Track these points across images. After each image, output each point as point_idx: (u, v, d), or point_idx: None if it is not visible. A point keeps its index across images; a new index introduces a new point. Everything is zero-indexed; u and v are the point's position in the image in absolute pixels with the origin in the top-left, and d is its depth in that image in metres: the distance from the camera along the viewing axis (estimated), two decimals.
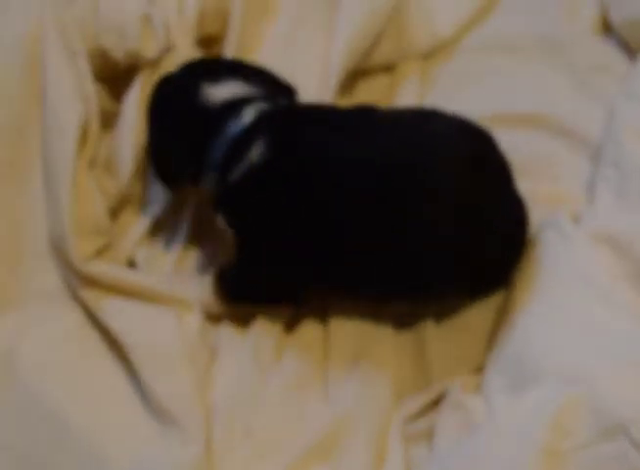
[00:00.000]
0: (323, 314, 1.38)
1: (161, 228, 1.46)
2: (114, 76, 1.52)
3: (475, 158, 1.30)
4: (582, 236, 1.35)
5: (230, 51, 1.57)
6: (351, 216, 1.27)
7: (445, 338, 1.37)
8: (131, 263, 1.43)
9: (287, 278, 1.33)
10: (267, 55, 1.58)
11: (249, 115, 1.32)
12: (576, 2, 1.76)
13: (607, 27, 1.75)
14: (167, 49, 1.50)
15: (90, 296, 1.35)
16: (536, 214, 1.40)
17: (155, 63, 1.50)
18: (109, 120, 1.51)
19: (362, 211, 1.27)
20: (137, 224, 1.45)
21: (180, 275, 1.41)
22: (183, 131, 1.34)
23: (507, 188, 1.36)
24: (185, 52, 1.52)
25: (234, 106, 1.32)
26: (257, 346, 1.33)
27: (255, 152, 1.28)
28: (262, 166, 1.28)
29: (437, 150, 1.29)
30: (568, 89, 1.64)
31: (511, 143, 1.41)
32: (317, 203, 1.27)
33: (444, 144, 1.30)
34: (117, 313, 1.33)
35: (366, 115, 1.37)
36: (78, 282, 1.36)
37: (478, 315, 1.37)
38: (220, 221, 1.34)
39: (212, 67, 1.43)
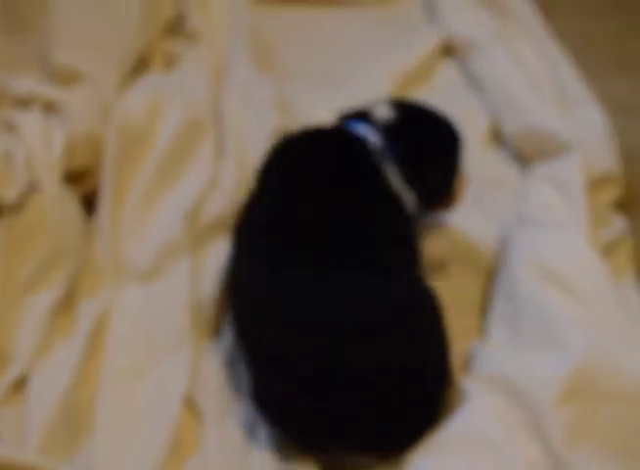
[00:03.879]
0: None
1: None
2: None
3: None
4: (478, 383, 1.30)
5: (105, 186, 1.50)
6: None
7: None
8: None
9: None
10: (140, 187, 1.51)
11: (369, 131, 1.44)
12: (467, 112, 1.73)
13: (497, 138, 1.72)
14: (31, 189, 1.41)
15: None
16: None
17: (15, 206, 1.39)
18: None
19: None
20: None
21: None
22: None
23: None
24: (51, 190, 1.42)
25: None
26: None
27: None
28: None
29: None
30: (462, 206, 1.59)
31: None
32: None
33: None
34: None
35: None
36: None
37: None
38: None
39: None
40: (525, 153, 1.68)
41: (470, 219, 1.57)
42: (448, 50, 1.87)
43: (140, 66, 1.73)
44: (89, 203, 1.51)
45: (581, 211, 1.53)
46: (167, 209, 1.50)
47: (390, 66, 1.80)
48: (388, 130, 1.45)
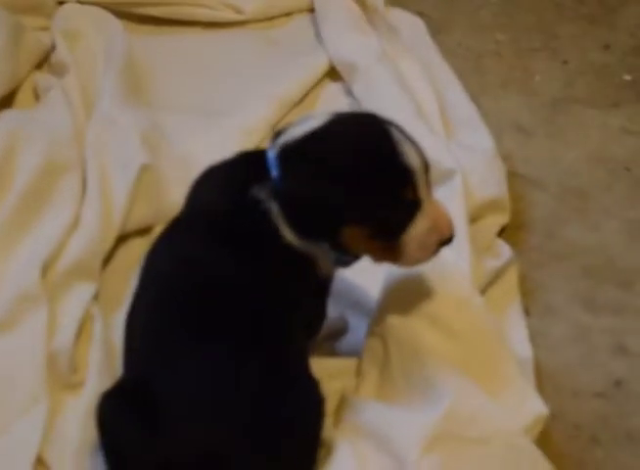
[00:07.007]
0: None
1: None
2: None
3: None
4: (346, 432, 1.24)
5: None
6: None
7: None
8: None
9: None
10: None
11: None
12: None
13: None
14: None
15: None
16: None
17: None
18: None
19: None
20: None
21: None
22: None
23: None
24: None
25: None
26: None
27: None
28: None
29: None
30: None
31: None
32: None
33: None
34: None
35: None
36: None
37: None
38: None
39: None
40: None
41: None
42: (334, 73, 1.80)
43: (7, 100, 1.66)
44: None
45: (464, 241, 1.48)
46: (23, 256, 1.42)
47: (272, 91, 1.74)
48: (285, 157, 1.16)
